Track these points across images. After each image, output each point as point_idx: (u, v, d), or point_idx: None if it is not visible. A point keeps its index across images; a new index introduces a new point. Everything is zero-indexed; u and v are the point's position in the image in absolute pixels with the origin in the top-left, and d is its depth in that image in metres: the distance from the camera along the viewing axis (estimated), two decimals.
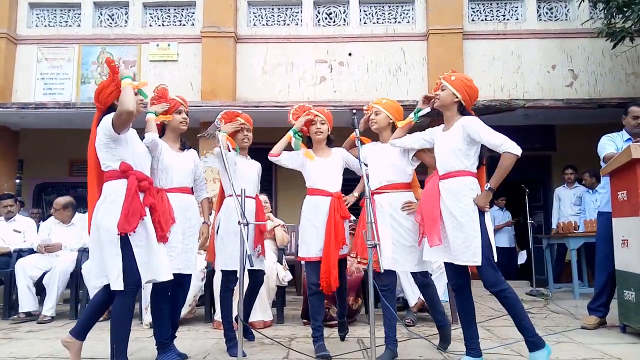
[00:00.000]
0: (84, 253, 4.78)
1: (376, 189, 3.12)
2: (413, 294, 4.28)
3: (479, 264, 2.69)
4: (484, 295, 6.11)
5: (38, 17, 8.16)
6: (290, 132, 3.39)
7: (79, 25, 8.10)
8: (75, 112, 7.24)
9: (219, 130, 3.06)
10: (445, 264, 2.93)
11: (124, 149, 2.68)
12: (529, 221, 6.76)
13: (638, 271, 3.42)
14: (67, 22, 8.14)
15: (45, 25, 8.14)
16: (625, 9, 6.34)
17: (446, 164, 2.86)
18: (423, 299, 4.26)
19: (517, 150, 2.69)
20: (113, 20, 8.17)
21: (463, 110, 2.89)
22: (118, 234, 2.55)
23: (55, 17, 8.17)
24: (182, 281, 3.11)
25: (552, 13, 7.99)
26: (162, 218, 2.77)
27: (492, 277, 2.75)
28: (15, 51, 7.96)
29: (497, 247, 7.88)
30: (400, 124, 3.15)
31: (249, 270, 3.36)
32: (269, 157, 3.39)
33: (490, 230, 2.79)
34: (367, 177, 2.90)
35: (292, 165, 3.44)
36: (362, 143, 3.16)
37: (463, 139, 2.80)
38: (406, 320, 4.13)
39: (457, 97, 2.86)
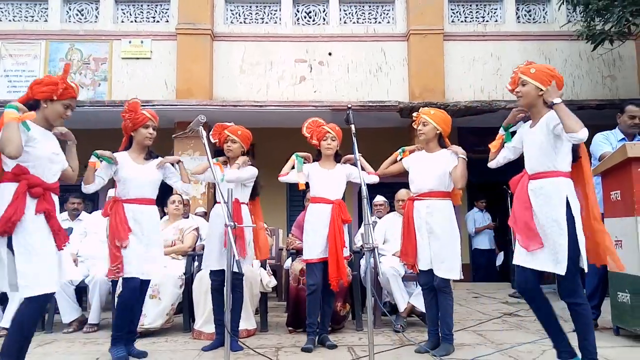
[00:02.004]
0: None
1: (416, 195, 3.31)
2: (402, 299, 4.16)
3: (562, 273, 2.50)
4: (468, 298, 6.05)
5: (2, 12, 7.73)
6: (294, 156, 3.61)
7: (45, 20, 7.71)
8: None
9: (202, 127, 2.86)
10: (516, 265, 2.75)
11: (24, 152, 2.48)
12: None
13: (633, 272, 3.36)
14: (33, 16, 7.74)
15: (10, 20, 7.72)
16: (604, 12, 6.39)
17: (534, 163, 2.67)
18: (413, 303, 4.16)
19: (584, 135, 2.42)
20: (82, 15, 7.81)
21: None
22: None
23: (20, 11, 7.76)
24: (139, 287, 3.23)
25: (530, 15, 8.04)
26: (58, 224, 2.59)
27: (572, 287, 2.56)
28: None
29: (478, 250, 7.89)
30: (493, 147, 2.98)
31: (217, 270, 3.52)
32: (279, 178, 3.62)
33: (581, 234, 2.56)
34: (364, 182, 2.81)
35: (301, 181, 3.61)
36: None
37: (547, 134, 2.59)
38: (397, 326, 3.99)
39: (541, 90, 2.63)
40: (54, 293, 2.58)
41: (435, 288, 3.23)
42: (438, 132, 3.33)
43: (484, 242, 7.79)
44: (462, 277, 3.34)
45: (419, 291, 3.76)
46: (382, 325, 4.22)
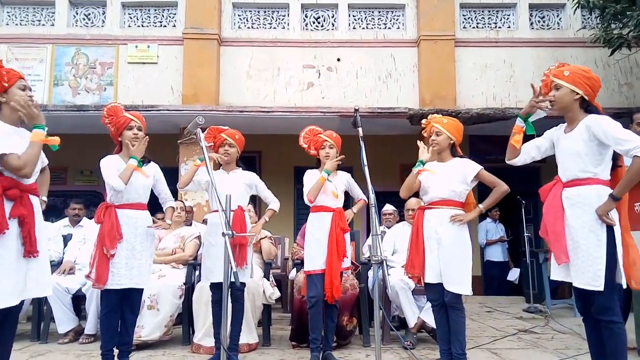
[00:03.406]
0: None
1: (427, 204, 3.09)
2: (412, 314, 3.95)
3: (600, 289, 2.30)
4: (481, 313, 5.82)
5: (9, 15, 7.69)
6: (324, 174, 3.38)
7: (52, 25, 7.64)
8: (47, 114, 6.74)
9: (201, 129, 2.71)
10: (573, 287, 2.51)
11: None
12: (525, 234, 6.50)
13: None
14: (39, 21, 7.68)
15: (17, 24, 7.66)
16: (621, 16, 6.19)
17: (569, 171, 2.49)
18: (423, 318, 3.96)
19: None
20: (89, 19, 7.74)
21: (588, 107, 2.51)
22: None
23: (27, 15, 7.70)
24: (128, 296, 3.09)
25: (544, 21, 7.85)
26: (32, 230, 2.37)
27: (608, 304, 2.34)
28: None
29: (491, 262, 7.66)
30: (516, 142, 2.73)
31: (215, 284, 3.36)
32: (308, 203, 3.46)
33: (620, 247, 2.38)
34: (373, 188, 2.62)
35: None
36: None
37: (588, 140, 2.41)
38: (406, 342, 3.78)
39: (577, 94, 2.47)
40: (16, 306, 2.35)
41: (445, 304, 2.99)
42: (452, 141, 3.14)
43: (496, 254, 7.55)
44: (472, 293, 3.10)
45: (430, 305, 3.55)
46: (390, 341, 4.01)
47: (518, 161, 2.78)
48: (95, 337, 4.10)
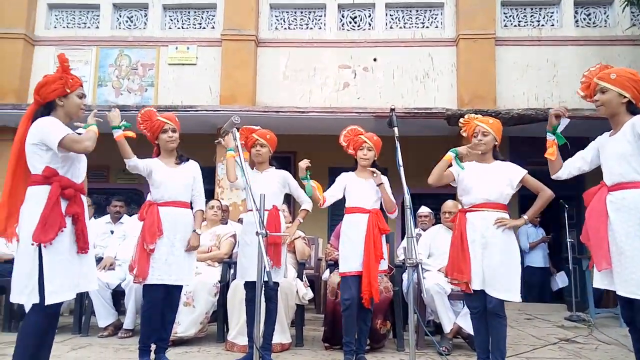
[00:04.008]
0: None
1: (470, 207, 2.98)
2: (448, 319, 3.86)
3: None
4: (520, 320, 5.65)
5: (57, 19, 8.00)
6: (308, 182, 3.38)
7: (97, 27, 7.90)
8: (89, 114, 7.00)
9: (237, 128, 2.74)
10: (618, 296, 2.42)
11: (53, 152, 2.43)
12: (568, 240, 6.25)
13: None
14: (85, 23, 7.95)
15: (64, 27, 7.97)
16: None
17: (614, 174, 2.42)
18: (459, 324, 3.86)
19: None
20: (132, 22, 7.96)
21: (634, 109, 2.45)
22: (32, 244, 2.32)
23: (73, 18, 8.00)
24: (168, 293, 3.17)
25: (590, 19, 7.54)
26: (84, 228, 2.50)
27: None
28: (33, 52, 7.79)
29: (531, 267, 7.40)
30: (550, 155, 2.71)
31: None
32: (323, 206, 3.46)
33: None
34: (408, 189, 2.56)
35: (340, 195, 3.52)
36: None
37: (633, 141, 2.35)
38: (441, 348, 3.70)
39: (625, 97, 2.42)
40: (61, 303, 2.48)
41: (485, 312, 2.87)
42: (496, 143, 3.06)
43: (537, 259, 7.29)
44: (521, 300, 2.98)
45: (467, 311, 3.44)
46: (425, 346, 3.94)
47: (563, 174, 2.72)
48: (133, 332, 4.20)
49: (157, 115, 3.29)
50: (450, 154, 2.97)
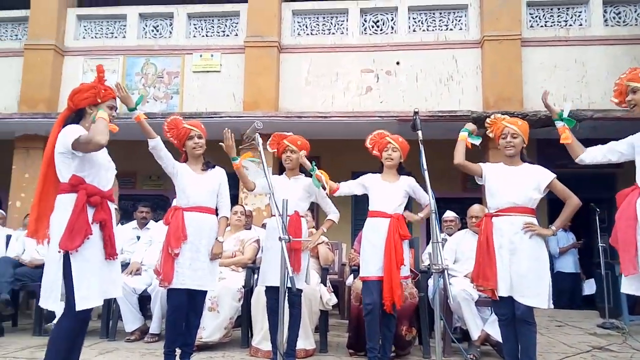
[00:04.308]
0: None
1: (496, 212, 2.92)
2: (476, 326, 3.78)
3: None
4: (550, 327, 5.49)
5: (85, 29, 8.21)
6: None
7: (124, 37, 8.07)
8: (118, 122, 7.12)
9: (259, 134, 2.74)
10: None
11: (80, 160, 2.48)
12: (599, 244, 6.07)
13: None
14: (112, 33, 8.13)
15: (92, 37, 8.17)
16: None
17: None
18: (487, 331, 3.78)
19: None
20: (157, 31, 8.11)
21: None
22: (59, 251, 2.37)
23: (101, 28, 8.19)
24: (193, 298, 3.19)
25: (620, 18, 7.33)
26: (112, 234, 2.54)
27: None
28: (62, 63, 8.01)
29: (561, 273, 7.20)
30: (565, 139, 2.77)
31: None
32: (335, 194, 3.50)
33: None
34: (433, 194, 2.52)
35: (357, 191, 3.54)
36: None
37: None
38: (469, 355, 3.62)
39: None
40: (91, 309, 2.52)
41: (514, 319, 2.80)
42: (524, 145, 3.01)
43: (568, 264, 7.10)
44: (552, 306, 2.89)
45: (495, 317, 3.36)
46: (452, 354, 3.87)
47: (586, 158, 2.71)
48: (159, 337, 4.24)
49: (183, 123, 3.34)
50: (463, 134, 3.02)
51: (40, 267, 4.85)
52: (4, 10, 8.32)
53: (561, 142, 2.78)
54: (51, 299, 2.42)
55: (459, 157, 3.02)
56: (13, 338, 4.39)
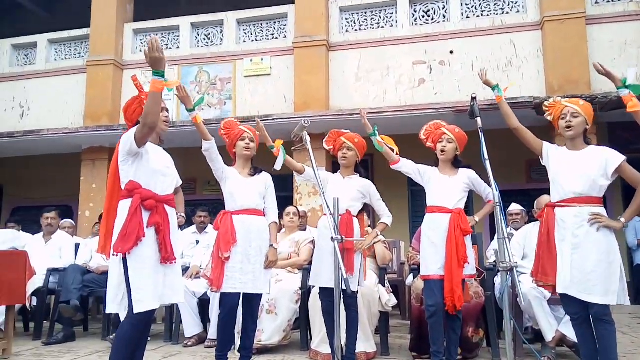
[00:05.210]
0: None
1: (558, 202, 2.70)
2: (550, 326, 3.50)
3: None
4: (632, 325, 5.05)
5: (141, 43, 8.51)
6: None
7: (177, 47, 8.30)
8: (175, 130, 7.32)
9: (306, 131, 2.67)
10: None
11: (137, 166, 2.51)
12: None
13: None
14: (167, 44, 8.38)
15: None
16: None
17: None
18: (562, 332, 3.49)
19: None
20: (209, 39, 8.27)
21: None
22: (114, 254, 2.42)
23: None
24: (247, 301, 3.17)
25: None
26: (167, 238, 2.52)
27: None
28: (122, 76, 8.36)
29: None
30: (632, 108, 2.51)
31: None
32: (393, 167, 3.41)
33: None
34: (497, 186, 2.35)
35: (413, 175, 3.37)
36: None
37: None
38: (543, 358, 3.36)
39: None
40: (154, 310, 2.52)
41: (587, 318, 2.55)
42: (587, 127, 2.74)
43: None
44: (628, 302, 2.61)
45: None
46: (524, 356, 3.60)
47: None
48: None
49: (238, 125, 3.37)
50: (496, 94, 2.99)
51: (106, 274, 5.02)
52: (67, 30, 8.79)
53: (628, 110, 2.50)
54: (116, 303, 2.50)
55: (512, 119, 2.86)
56: (84, 342, 4.56)
